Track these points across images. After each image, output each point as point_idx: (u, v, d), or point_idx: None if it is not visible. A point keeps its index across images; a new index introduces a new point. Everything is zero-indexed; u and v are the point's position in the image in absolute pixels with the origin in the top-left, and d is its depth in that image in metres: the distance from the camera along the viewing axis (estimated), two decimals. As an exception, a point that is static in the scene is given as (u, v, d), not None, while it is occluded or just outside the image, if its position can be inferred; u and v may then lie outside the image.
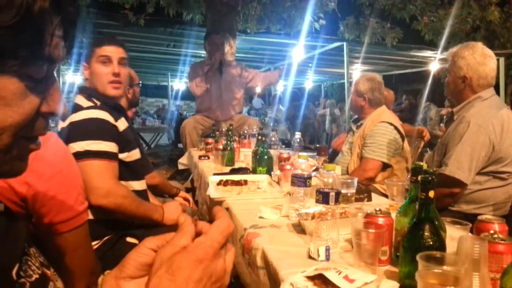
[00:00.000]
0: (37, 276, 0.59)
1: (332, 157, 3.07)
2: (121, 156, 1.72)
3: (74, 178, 1.02)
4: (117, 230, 1.72)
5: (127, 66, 1.89)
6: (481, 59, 2.11)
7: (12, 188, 0.89)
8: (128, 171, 1.76)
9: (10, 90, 0.48)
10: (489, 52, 2.15)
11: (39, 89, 0.52)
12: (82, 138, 1.61)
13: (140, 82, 2.59)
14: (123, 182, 1.73)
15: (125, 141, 1.75)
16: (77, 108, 1.71)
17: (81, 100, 1.77)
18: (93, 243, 1.63)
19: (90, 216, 1.62)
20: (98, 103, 1.77)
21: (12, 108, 0.49)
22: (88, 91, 1.83)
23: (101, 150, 1.61)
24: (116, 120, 1.73)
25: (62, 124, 1.69)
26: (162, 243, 0.61)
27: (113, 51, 1.82)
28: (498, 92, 2.18)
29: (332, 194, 1.26)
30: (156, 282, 0.53)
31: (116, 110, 1.82)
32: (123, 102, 2.46)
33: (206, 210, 2.20)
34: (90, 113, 1.68)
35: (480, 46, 2.15)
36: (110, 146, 1.64)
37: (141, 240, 1.74)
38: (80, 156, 1.58)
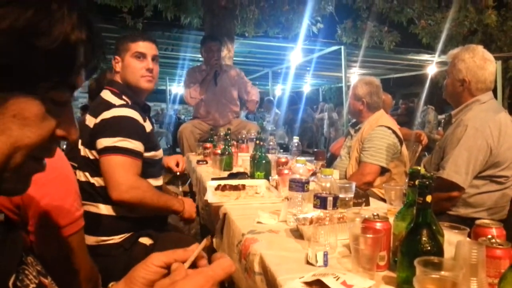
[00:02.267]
0: (34, 285, 0.59)
1: (330, 162, 3.07)
2: (146, 154, 1.78)
3: (69, 185, 1.01)
4: (137, 229, 1.78)
5: (158, 63, 1.96)
6: (480, 62, 2.11)
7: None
8: (149, 169, 1.80)
9: (33, 112, 0.51)
10: (489, 56, 2.16)
11: (57, 114, 0.55)
12: (112, 135, 1.67)
13: None
14: None
15: (151, 142, 1.81)
16: (109, 105, 1.76)
17: (111, 97, 1.81)
18: (113, 237, 1.72)
19: (113, 213, 1.72)
20: (129, 101, 1.81)
21: (31, 129, 0.51)
22: (119, 86, 1.86)
23: (128, 147, 1.67)
24: (144, 120, 1.79)
25: (94, 120, 1.74)
26: (168, 260, 0.65)
27: (148, 48, 1.88)
28: (495, 96, 2.19)
29: (330, 199, 1.26)
30: None
31: (144, 110, 1.86)
32: None
33: (207, 216, 2.20)
34: (122, 111, 1.73)
35: (480, 50, 2.16)
36: (136, 145, 1.69)
37: (155, 240, 1.80)
38: (107, 151, 1.65)
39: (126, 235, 1.76)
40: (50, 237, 0.94)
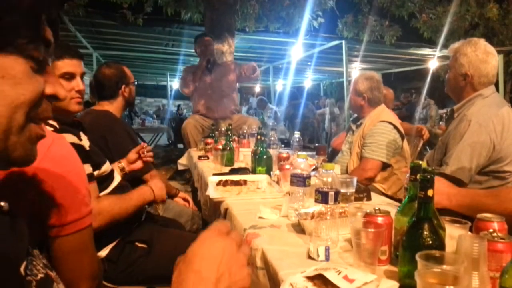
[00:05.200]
0: (42, 275, 0.61)
1: (331, 157, 3.07)
2: (95, 173, 1.62)
3: (80, 180, 1.02)
4: (121, 235, 1.70)
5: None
6: (483, 56, 2.09)
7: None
8: (100, 186, 1.64)
9: (19, 70, 0.54)
10: (492, 49, 2.13)
11: (41, 71, 0.58)
12: None
13: (135, 81, 2.56)
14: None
15: (93, 158, 1.63)
16: None
17: None
18: (100, 252, 1.61)
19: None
20: (55, 123, 1.55)
21: (23, 86, 0.54)
22: None
23: None
24: (79, 138, 1.59)
25: None
26: None
27: (76, 66, 1.66)
28: (497, 90, 2.16)
29: (331, 193, 1.26)
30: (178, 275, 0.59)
31: (74, 127, 1.64)
32: (119, 102, 2.44)
33: (209, 211, 2.20)
34: None
35: (482, 43, 2.13)
36: (85, 169, 1.48)
37: (150, 245, 1.67)
38: None
39: (114, 244, 1.66)
40: (59, 232, 0.94)
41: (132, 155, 2.09)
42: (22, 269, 0.57)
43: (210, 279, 0.57)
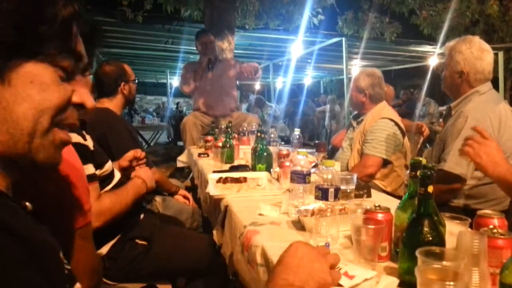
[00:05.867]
0: (67, 271, 0.63)
1: (331, 154, 3.06)
2: (97, 173, 1.63)
3: (81, 178, 1.02)
4: (120, 232, 1.70)
5: None
6: (478, 53, 2.10)
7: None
8: (102, 184, 1.66)
9: (48, 77, 0.59)
10: (486, 46, 2.15)
11: (70, 80, 0.63)
12: None
13: (136, 78, 2.55)
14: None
15: (97, 157, 1.63)
16: None
17: None
18: (101, 249, 1.62)
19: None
20: None
21: (50, 92, 0.59)
22: None
23: None
24: (84, 138, 1.57)
25: None
26: None
27: None
28: (497, 87, 2.17)
29: (331, 190, 1.26)
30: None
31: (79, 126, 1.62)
32: (119, 99, 2.44)
33: (209, 208, 2.20)
34: None
35: (477, 40, 2.15)
36: (88, 169, 1.49)
37: (150, 242, 1.67)
38: None
39: (114, 241, 1.67)
40: (60, 230, 0.94)
41: (124, 162, 2.04)
42: (61, 256, 0.61)
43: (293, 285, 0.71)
